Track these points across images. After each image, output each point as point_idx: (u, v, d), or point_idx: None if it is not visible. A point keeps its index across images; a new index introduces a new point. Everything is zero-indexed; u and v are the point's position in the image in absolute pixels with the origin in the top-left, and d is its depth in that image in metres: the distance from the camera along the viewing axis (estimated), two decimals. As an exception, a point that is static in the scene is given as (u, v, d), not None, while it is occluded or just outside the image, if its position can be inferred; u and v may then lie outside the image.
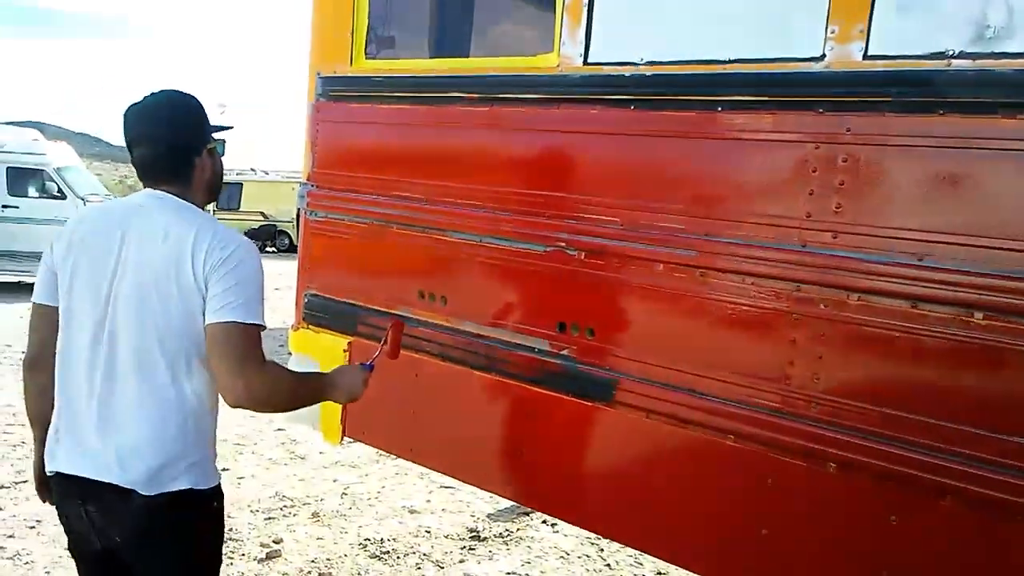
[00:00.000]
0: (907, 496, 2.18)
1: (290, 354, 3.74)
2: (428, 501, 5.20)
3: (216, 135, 2.20)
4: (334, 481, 5.48)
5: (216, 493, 2.10)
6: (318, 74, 3.61)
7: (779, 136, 2.38)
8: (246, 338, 1.96)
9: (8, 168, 12.87)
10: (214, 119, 2.21)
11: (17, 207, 12.87)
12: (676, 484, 2.63)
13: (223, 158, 2.26)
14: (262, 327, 2.00)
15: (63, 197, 12.94)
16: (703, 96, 2.52)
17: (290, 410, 2.11)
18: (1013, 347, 2.01)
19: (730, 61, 2.46)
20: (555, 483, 2.90)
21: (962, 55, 2.08)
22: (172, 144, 2.10)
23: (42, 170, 13.04)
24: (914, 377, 2.19)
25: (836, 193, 2.26)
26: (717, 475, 2.51)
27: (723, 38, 2.51)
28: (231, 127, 2.69)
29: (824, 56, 2.28)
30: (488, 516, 5.02)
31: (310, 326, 3.63)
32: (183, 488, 2.00)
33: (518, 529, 4.83)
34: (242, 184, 24.14)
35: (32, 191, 12.99)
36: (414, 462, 3.47)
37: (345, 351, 3.44)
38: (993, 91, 2.03)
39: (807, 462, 2.32)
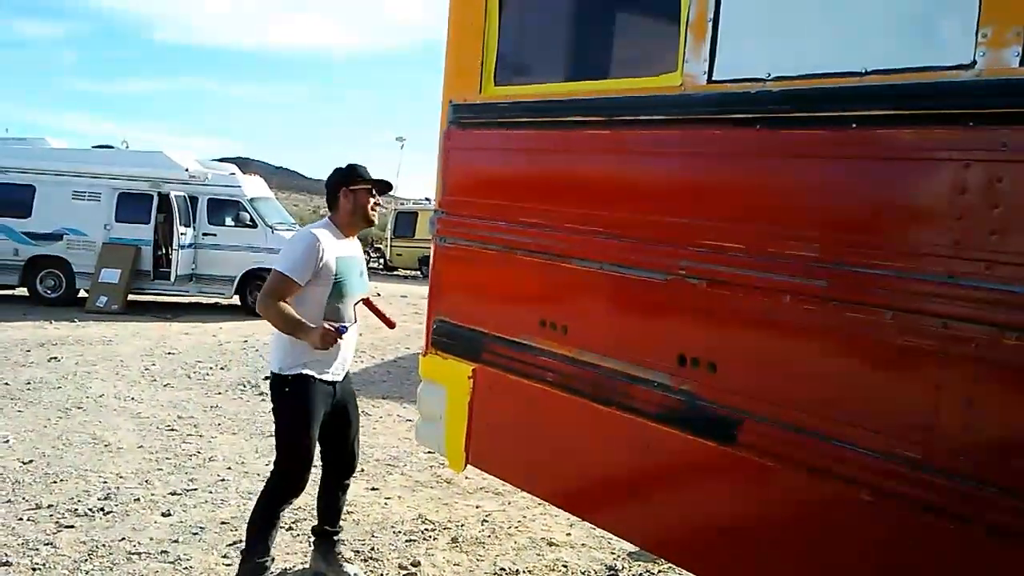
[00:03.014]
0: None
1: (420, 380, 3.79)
2: (568, 534, 5.08)
3: (363, 183, 3.68)
4: (476, 507, 5.49)
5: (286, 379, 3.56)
6: (450, 101, 3.66)
7: (922, 154, 2.12)
8: (271, 277, 3.52)
9: (208, 199, 14.18)
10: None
11: (215, 235, 14.15)
12: (800, 539, 2.38)
13: (390, 193, 3.94)
14: (282, 274, 3.47)
15: (254, 226, 14.08)
16: (834, 112, 2.30)
17: (280, 329, 3.49)
18: None
19: (866, 73, 2.23)
20: (667, 526, 2.72)
21: None
22: (326, 187, 3.77)
23: (237, 201, 14.26)
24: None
25: (989, 218, 1.97)
26: (847, 530, 2.25)
27: (857, 47, 2.28)
28: (385, 182, 3.77)
29: (975, 63, 2.01)
30: (629, 555, 4.82)
31: (438, 352, 3.66)
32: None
33: (659, 571, 4.60)
34: (417, 213, 25.36)
35: (228, 220, 14.23)
36: (532, 494, 3.39)
37: (470, 378, 3.44)
38: None
39: (953, 523, 2.02)
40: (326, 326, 3.43)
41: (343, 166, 3.75)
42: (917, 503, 2.08)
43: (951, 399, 2.02)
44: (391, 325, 3.74)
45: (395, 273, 26.45)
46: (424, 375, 3.75)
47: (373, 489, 5.71)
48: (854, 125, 2.25)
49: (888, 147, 2.18)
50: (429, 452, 6.59)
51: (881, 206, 2.20)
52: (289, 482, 3.63)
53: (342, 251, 3.59)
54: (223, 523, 4.87)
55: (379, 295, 17.91)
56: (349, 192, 3.64)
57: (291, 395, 3.55)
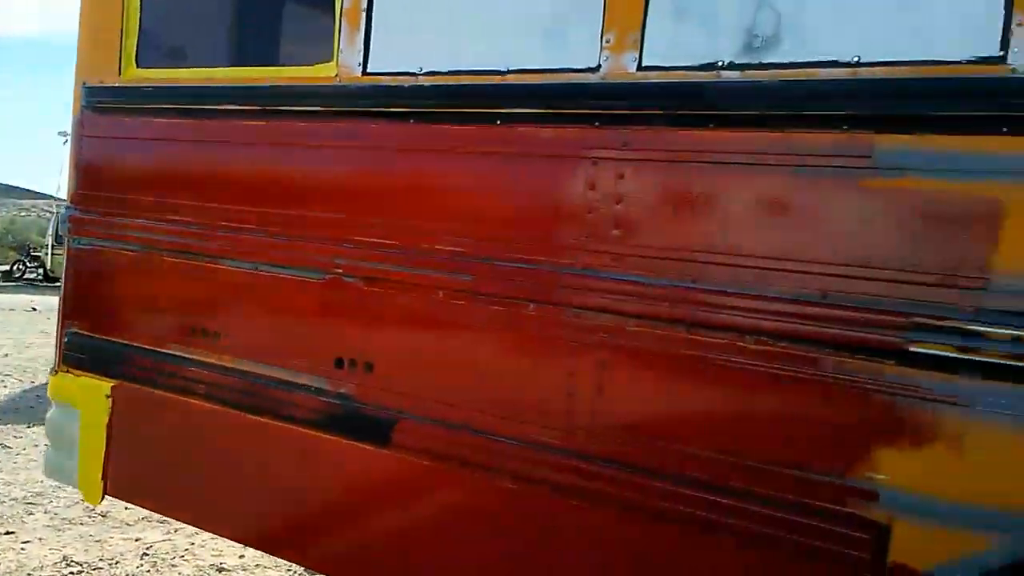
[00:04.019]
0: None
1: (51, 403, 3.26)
2: (241, 556, 4.72)
3: None
4: (136, 540, 4.90)
5: None
6: (84, 83, 3.20)
7: (558, 152, 2.21)
8: None
9: None
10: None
11: None
12: (464, 535, 2.37)
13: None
14: None
15: None
16: (481, 109, 2.33)
17: None
18: (786, 373, 1.89)
19: (507, 72, 2.28)
20: (332, 541, 2.58)
21: (731, 66, 1.97)
22: None
23: None
24: (705, 406, 2.03)
25: (614, 213, 2.10)
26: (503, 520, 2.28)
27: (501, 47, 2.33)
28: None
29: (600, 67, 2.13)
30: (306, 571, 4.60)
31: (71, 369, 3.17)
32: None
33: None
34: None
35: None
36: (183, 521, 3.07)
37: (108, 396, 3.02)
38: (760, 103, 1.93)
39: (592, 503, 2.12)
40: None
41: None
42: (559, 488, 2.16)
43: (584, 386, 2.12)
44: None
45: (58, 284, 23.33)
46: (54, 397, 3.23)
47: (7, 534, 4.87)
48: (498, 122, 2.29)
49: (528, 145, 2.24)
50: (83, 485, 5.80)
51: (523, 202, 2.26)
52: None
53: None
54: None
55: (36, 310, 15.73)
56: None
57: None
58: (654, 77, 2.05)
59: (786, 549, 1.91)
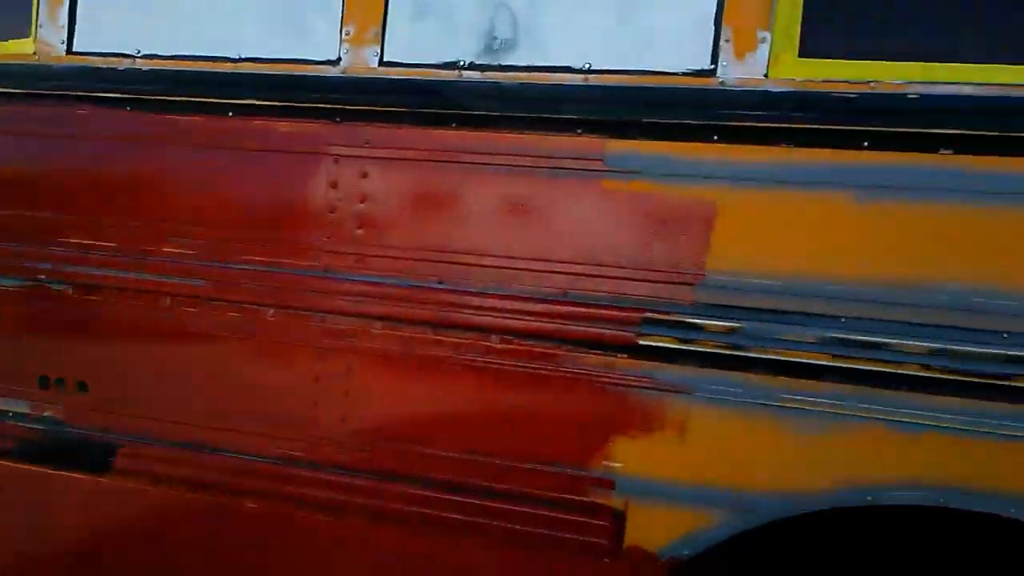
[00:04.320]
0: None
1: None
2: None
3: None
4: None
5: None
6: None
7: (298, 148, 2.08)
8: None
9: None
10: None
11: None
12: (198, 562, 2.17)
13: None
14: None
15: None
16: (212, 98, 2.14)
17: None
18: (531, 370, 1.93)
19: (240, 60, 2.12)
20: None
21: (473, 66, 1.97)
22: None
23: None
24: (454, 408, 2.01)
25: (357, 212, 2.02)
26: (245, 543, 2.11)
27: (234, 32, 2.16)
28: None
29: (340, 60, 2.04)
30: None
31: None
32: None
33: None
34: None
35: None
36: None
37: None
38: (501, 105, 1.94)
39: (338, 517, 2.03)
40: None
41: None
42: (308, 503, 2.04)
43: (331, 393, 2.03)
44: None
45: None
46: None
47: None
48: (231, 114, 2.12)
49: (265, 139, 2.10)
50: None
51: (259, 200, 2.11)
52: None
53: None
54: None
55: None
56: None
57: None
58: (396, 73, 2.00)
59: (534, 544, 1.95)
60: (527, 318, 1.93)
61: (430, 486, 2.00)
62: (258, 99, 2.10)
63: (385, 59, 2.01)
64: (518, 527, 1.96)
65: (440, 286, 1.96)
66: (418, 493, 2.01)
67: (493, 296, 1.94)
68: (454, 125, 1.96)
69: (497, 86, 1.94)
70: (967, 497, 1.68)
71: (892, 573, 1.96)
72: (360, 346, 2.01)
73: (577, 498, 1.92)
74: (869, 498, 1.72)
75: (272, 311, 2.06)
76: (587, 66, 1.89)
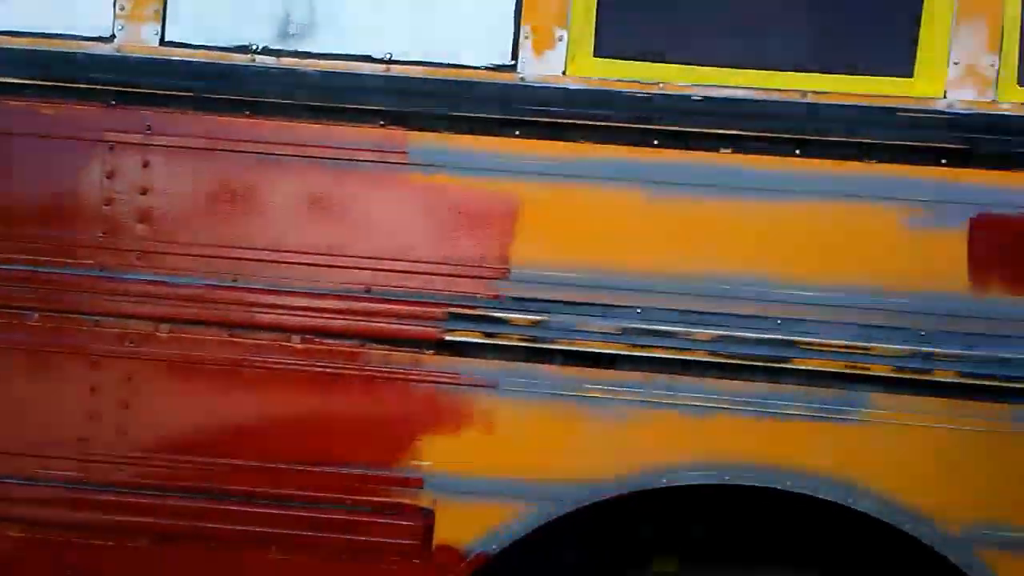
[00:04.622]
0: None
1: None
2: None
3: None
4: None
5: None
6: None
7: (67, 133, 1.87)
8: None
9: None
10: None
11: None
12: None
13: None
14: None
15: None
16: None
17: None
18: (336, 370, 1.85)
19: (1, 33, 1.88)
20: None
21: (268, 51, 1.86)
22: None
23: None
24: (253, 414, 1.89)
25: (140, 205, 1.85)
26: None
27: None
28: None
29: (114, 37, 1.86)
30: None
31: None
32: None
33: None
34: None
35: None
36: None
37: None
38: (300, 93, 1.85)
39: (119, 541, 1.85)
40: None
41: None
42: (79, 527, 1.84)
43: (107, 403, 1.84)
44: None
45: None
46: None
47: None
48: (-14, 92, 1.87)
49: (27, 123, 1.87)
50: None
51: (20, 192, 1.88)
52: None
53: None
54: None
55: None
56: None
57: None
58: (181, 55, 1.85)
59: (344, 550, 1.88)
60: (329, 316, 1.85)
61: (227, 499, 1.87)
62: (19, 77, 1.87)
63: (167, 39, 1.86)
64: (327, 535, 1.88)
65: (234, 284, 1.84)
66: (213, 507, 1.87)
67: (293, 294, 1.85)
68: (247, 113, 1.84)
69: (294, 73, 1.85)
70: (751, 474, 1.80)
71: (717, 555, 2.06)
72: (143, 351, 1.84)
73: (386, 500, 1.87)
74: (664, 480, 1.81)
75: (37, 315, 1.84)
76: (389, 56, 1.84)
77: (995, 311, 1.71)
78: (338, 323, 1.85)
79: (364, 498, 1.87)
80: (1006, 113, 1.72)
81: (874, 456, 1.76)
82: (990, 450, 1.72)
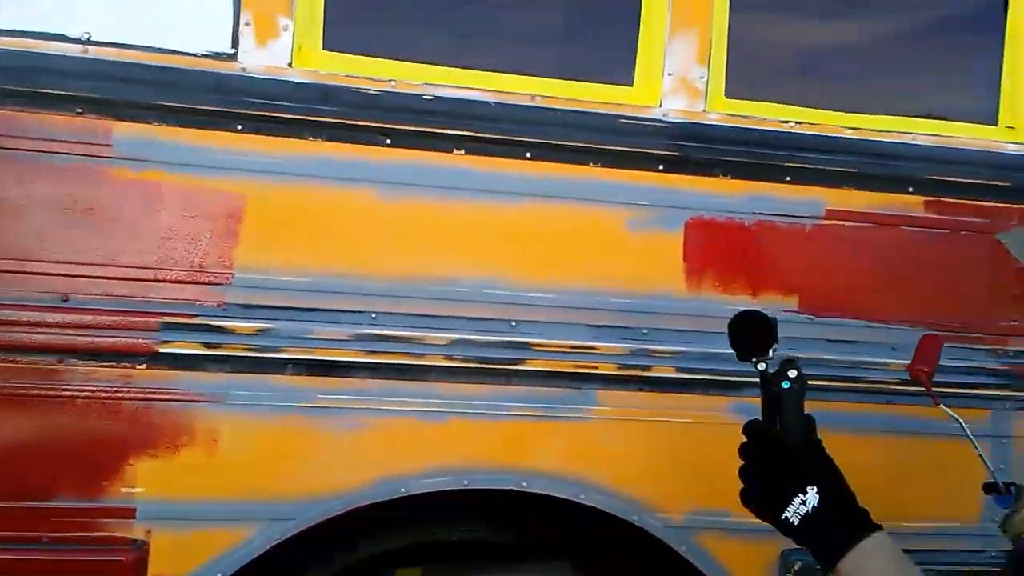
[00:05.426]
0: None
1: None
2: None
3: None
4: None
5: None
6: None
7: None
8: None
9: None
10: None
11: None
12: None
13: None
14: None
15: None
16: None
17: None
18: (28, 391, 1.62)
19: None
20: None
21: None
22: None
23: None
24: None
25: None
26: None
27: None
28: None
29: None
30: None
31: None
32: None
33: None
34: None
35: None
36: None
37: None
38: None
39: None
40: None
41: None
42: None
43: None
44: None
45: None
46: None
47: None
48: None
49: None
50: None
51: None
52: None
53: None
54: None
55: None
56: None
57: None
58: None
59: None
60: (18, 330, 1.61)
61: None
62: None
63: None
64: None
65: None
66: None
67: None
68: None
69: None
70: (490, 477, 1.79)
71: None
72: None
73: (94, 534, 1.66)
74: (403, 490, 1.75)
75: None
76: (87, 37, 1.64)
77: (707, 309, 1.82)
78: (28, 338, 1.62)
79: (69, 534, 1.65)
80: (714, 123, 1.83)
81: (602, 452, 1.80)
82: (706, 441, 1.82)
